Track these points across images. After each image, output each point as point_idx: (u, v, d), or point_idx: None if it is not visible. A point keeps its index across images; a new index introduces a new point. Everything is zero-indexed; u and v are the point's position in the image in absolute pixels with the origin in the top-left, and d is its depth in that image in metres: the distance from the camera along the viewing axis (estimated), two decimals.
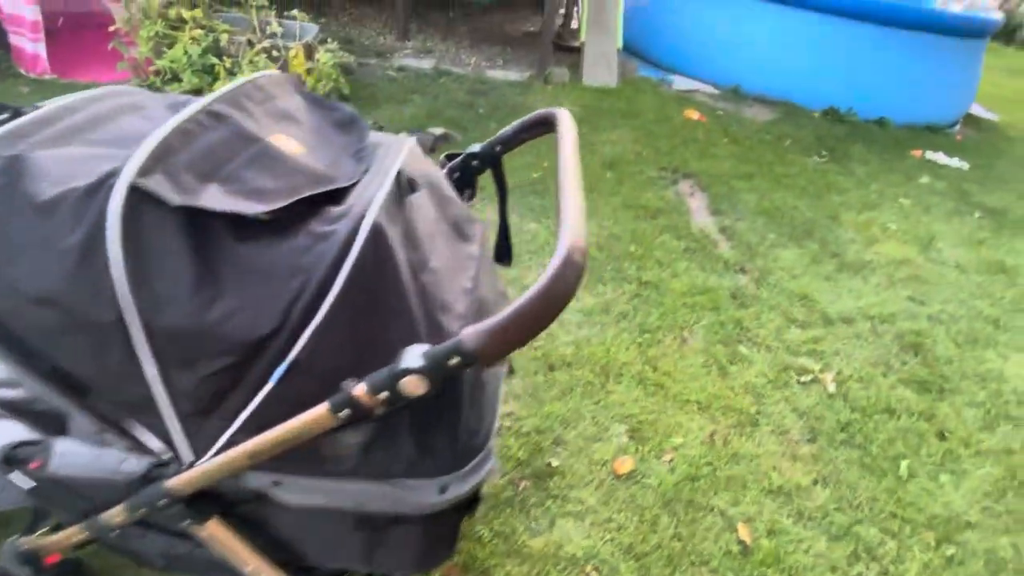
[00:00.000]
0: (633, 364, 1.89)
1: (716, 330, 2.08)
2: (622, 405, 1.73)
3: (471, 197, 1.08)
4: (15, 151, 0.57)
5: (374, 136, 0.84)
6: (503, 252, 1.10)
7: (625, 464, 1.55)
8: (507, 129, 0.98)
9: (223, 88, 0.68)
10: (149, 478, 0.68)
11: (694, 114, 3.99)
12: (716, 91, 4.48)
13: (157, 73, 3.06)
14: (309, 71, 3.26)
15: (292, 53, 3.17)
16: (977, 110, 5.20)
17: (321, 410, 0.55)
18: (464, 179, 1.02)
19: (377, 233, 0.59)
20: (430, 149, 3.55)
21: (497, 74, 4.26)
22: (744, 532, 1.41)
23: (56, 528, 0.88)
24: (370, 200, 0.62)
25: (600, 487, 1.49)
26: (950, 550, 1.44)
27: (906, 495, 1.57)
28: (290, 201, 0.58)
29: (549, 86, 4.13)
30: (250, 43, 3.14)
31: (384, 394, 0.52)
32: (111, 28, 3.00)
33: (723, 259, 2.50)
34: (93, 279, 0.54)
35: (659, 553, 1.34)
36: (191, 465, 0.67)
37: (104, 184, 0.52)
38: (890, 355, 2.09)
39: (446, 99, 3.71)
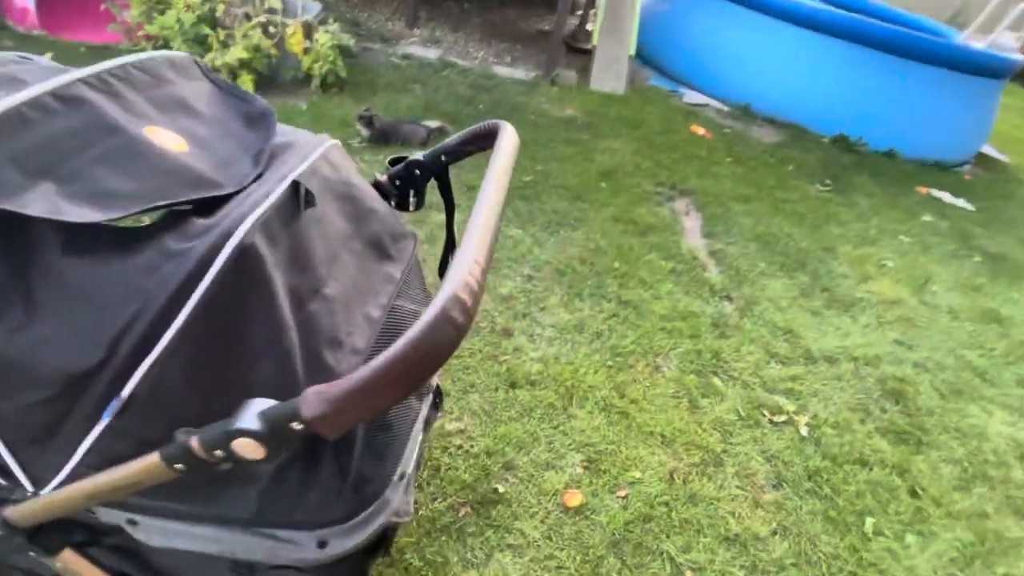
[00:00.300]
0: (600, 388, 1.80)
1: (692, 359, 2.00)
2: (582, 432, 1.65)
3: (417, 207, 0.99)
4: None
5: (291, 136, 0.75)
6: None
7: (575, 497, 1.47)
8: (453, 139, 0.90)
9: (92, 67, 0.59)
10: None
11: (700, 130, 3.89)
12: (726, 108, 4.38)
13: (148, 38, 2.97)
14: (306, 51, 3.16)
15: (290, 31, 3.07)
16: (989, 150, 5.10)
17: (153, 459, 0.47)
18: (406, 188, 0.93)
19: (244, 254, 0.51)
20: (422, 142, 3.47)
21: (503, 71, 4.16)
22: None
23: None
24: (245, 214, 0.54)
25: (546, 520, 1.41)
26: None
27: (869, 554, 1.49)
28: (140, 209, 0.49)
29: (555, 88, 4.03)
30: (248, 16, 3.04)
31: (219, 452, 0.44)
32: None
33: (710, 284, 2.41)
34: None
35: None
36: (34, 495, 0.59)
37: None
38: (870, 401, 2.00)
39: (447, 92, 3.61)
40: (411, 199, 0.97)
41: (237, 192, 0.58)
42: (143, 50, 2.99)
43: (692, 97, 4.44)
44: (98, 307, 0.47)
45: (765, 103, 4.30)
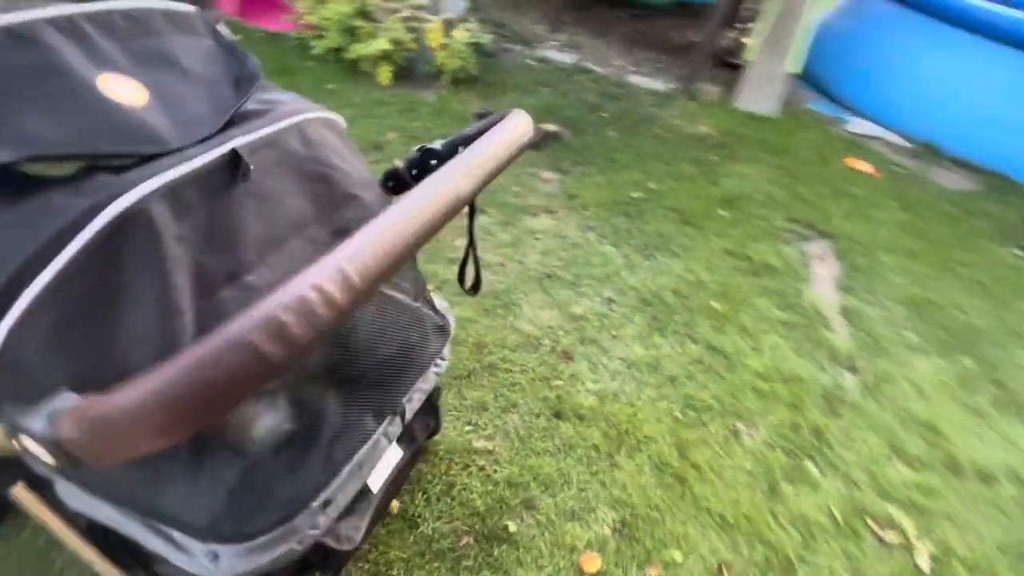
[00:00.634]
0: (658, 441, 1.56)
1: (784, 433, 1.65)
2: (623, 487, 1.44)
3: None
4: None
5: (281, 102, 0.69)
6: (472, 280, 0.90)
7: (594, 561, 1.27)
8: (472, 127, 0.78)
9: (72, 7, 0.57)
10: None
11: (862, 164, 3.31)
12: (902, 143, 3.68)
13: (310, 27, 3.28)
14: (443, 47, 3.26)
15: (430, 27, 3.19)
16: None
17: None
18: (422, 179, 0.83)
19: (130, 221, 0.45)
20: (533, 145, 3.38)
21: (639, 80, 3.94)
22: None
23: None
24: (150, 177, 0.48)
25: None
26: None
27: None
28: (32, 154, 0.45)
29: (692, 102, 3.71)
30: (395, 11, 3.22)
31: (17, 444, 0.38)
32: None
33: (831, 347, 2.00)
34: None
35: None
36: None
37: None
38: None
39: (574, 97, 3.50)
40: None
41: (170, 153, 0.53)
42: (308, 38, 3.33)
43: (859, 126, 3.80)
44: None
45: (957, 141, 3.53)
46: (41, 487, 0.70)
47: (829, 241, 2.61)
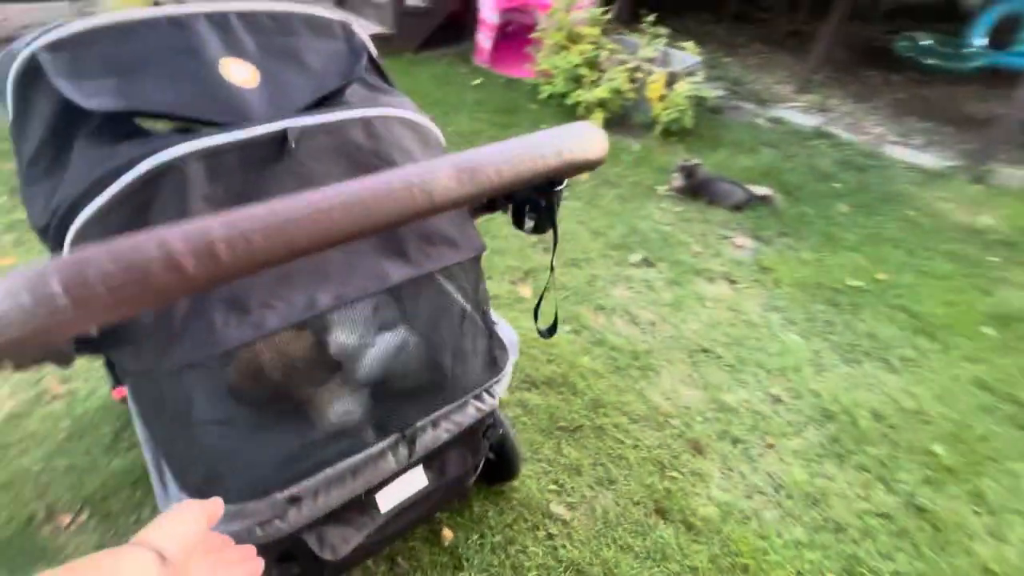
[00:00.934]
0: None
1: None
2: None
3: (536, 229, 0.81)
4: None
5: (381, 94, 0.70)
6: (550, 323, 0.79)
7: None
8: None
9: (230, 5, 0.67)
10: None
11: None
12: None
13: (544, 74, 3.57)
14: (662, 98, 3.20)
15: (653, 78, 3.17)
16: None
17: None
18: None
19: (166, 172, 0.49)
20: (736, 206, 3.06)
21: (900, 152, 3.24)
22: None
23: None
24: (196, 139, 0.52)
25: None
26: None
27: None
28: (134, 108, 0.54)
29: (977, 185, 2.89)
30: (622, 62, 3.30)
31: None
32: (530, 35, 3.64)
33: None
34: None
35: None
36: None
37: (27, 46, 0.59)
38: None
39: (801, 162, 3.05)
40: (527, 219, 0.79)
41: (241, 125, 0.58)
42: (540, 84, 3.63)
43: None
44: (66, 180, 0.54)
45: None
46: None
47: None
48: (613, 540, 1.26)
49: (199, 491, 0.56)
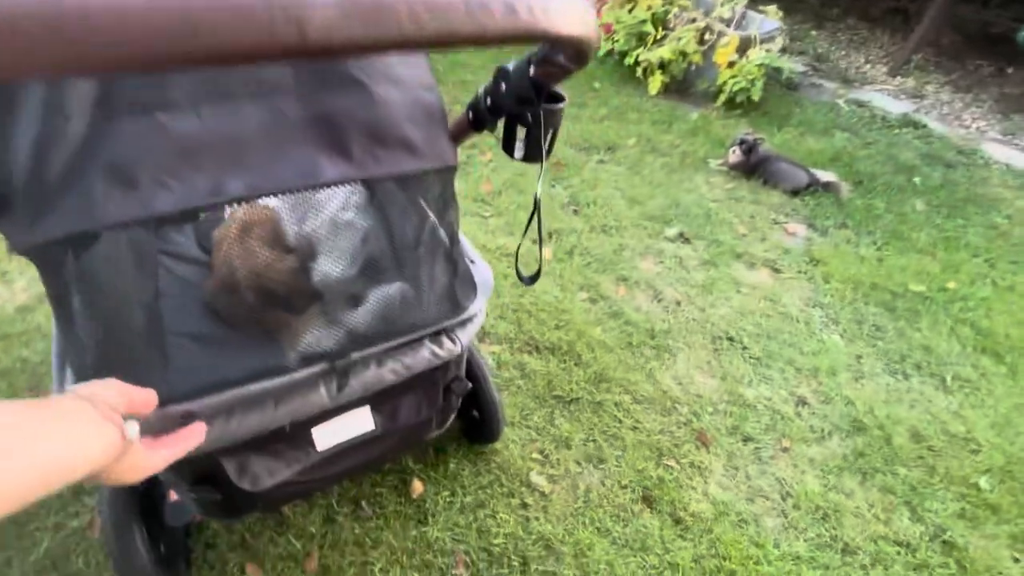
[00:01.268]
0: None
1: None
2: None
3: (525, 155, 0.69)
4: None
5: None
6: (532, 273, 0.68)
7: None
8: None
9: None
10: None
11: None
12: None
13: (606, 28, 3.33)
14: (731, 64, 2.92)
15: (724, 40, 2.89)
16: None
17: None
18: (496, 112, 0.64)
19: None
20: (794, 190, 2.78)
21: (1003, 153, 2.85)
22: None
23: None
24: None
25: None
26: None
27: None
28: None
29: None
30: (693, 20, 3.01)
31: None
32: None
33: None
34: None
35: None
36: None
37: None
38: None
39: (880, 150, 2.73)
40: (517, 143, 0.67)
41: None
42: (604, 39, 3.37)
43: None
44: None
45: None
46: None
47: None
48: (591, 521, 1.17)
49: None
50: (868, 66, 3.80)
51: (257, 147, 0.50)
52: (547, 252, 1.89)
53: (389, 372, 0.67)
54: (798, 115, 3.00)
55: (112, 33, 0.25)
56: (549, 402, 1.40)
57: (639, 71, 3.11)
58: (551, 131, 0.66)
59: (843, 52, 3.97)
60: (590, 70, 3.28)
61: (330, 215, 0.66)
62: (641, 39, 3.14)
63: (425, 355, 0.69)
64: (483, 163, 2.29)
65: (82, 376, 0.51)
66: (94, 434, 0.36)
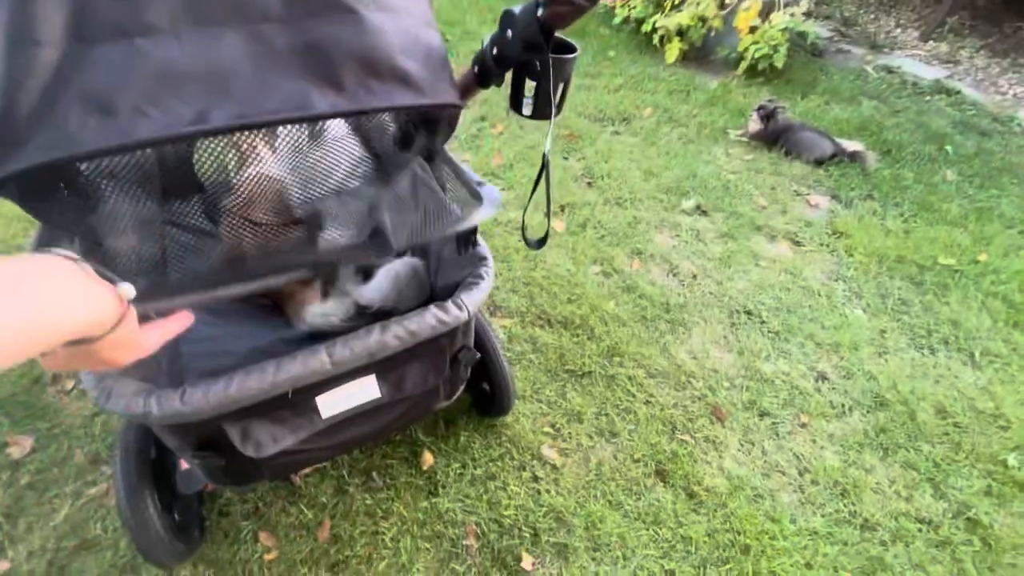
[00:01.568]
0: None
1: None
2: None
3: (535, 110, 0.65)
4: None
5: None
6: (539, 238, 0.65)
7: None
8: None
9: None
10: None
11: None
12: None
13: None
14: (752, 30, 2.79)
15: (746, 4, 2.76)
16: None
17: None
18: (503, 61, 0.60)
19: None
20: (818, 160, 2.69)
21: None
22: None
23: None
24: None
25: None
26: None
27: None
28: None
29: None
30: None
31: None
32: None
33: None
34: None
35: None
36: None
37: None
38: None
39: (910, 118, 2.61)
40: (525, 99, 0.63)
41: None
42: (617, 6, 3.25)
43: None
44: None
45: None
46: None
47: None
48: (603, 494, 1.16)
49: None
50: (899, 30, 3.62)
51: (242, 76, 0.47)
52: (560, 224, 1.85)
53: (393, 338, 0.65)
54: (823, 83, 2.88)
55: None
56: (561, 376, 1.38)
57: (656, 38, 3.00)
58: (561, 84, 0.62)
59: (872, 16, 3.79)
60: (605, 38, 3.18)
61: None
62: (659, 4, 3.02)
63: (430, 321, 0.67)
64: (494, 135, 2.24)
65: None
66: (80, 292, 0.32)
